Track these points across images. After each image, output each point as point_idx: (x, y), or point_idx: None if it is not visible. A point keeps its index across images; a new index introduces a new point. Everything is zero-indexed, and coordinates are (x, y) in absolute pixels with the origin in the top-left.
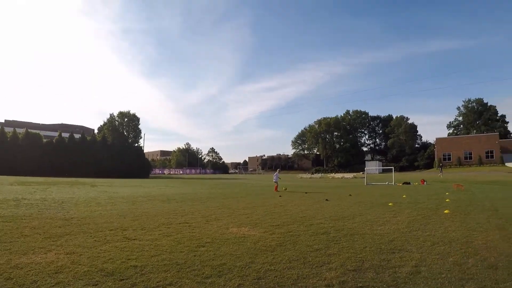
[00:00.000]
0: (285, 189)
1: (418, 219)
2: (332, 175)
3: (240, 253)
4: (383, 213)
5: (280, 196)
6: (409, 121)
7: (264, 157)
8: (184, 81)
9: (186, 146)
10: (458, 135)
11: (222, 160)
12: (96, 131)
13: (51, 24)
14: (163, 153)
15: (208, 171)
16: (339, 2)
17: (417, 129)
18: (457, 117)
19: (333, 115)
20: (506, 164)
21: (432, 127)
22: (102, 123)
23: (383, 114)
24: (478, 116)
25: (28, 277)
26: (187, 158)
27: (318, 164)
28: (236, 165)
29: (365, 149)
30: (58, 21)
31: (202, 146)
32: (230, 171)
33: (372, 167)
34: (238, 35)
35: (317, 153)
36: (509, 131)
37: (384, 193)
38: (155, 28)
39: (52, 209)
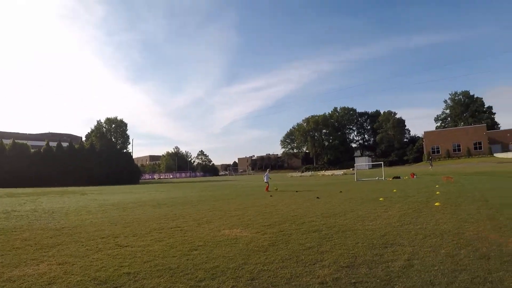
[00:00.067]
0: (276, 189)
1: (409, 212)
2: (322, 172)
3: (232, 255)
4: (374, 208)
5: (271, 196)
6: (397, 116)
7: (254, 158)
8: (171, 85)
9: (175, 150)
10: (446, 128)
11: (211, 163)
12: (84, 138)
13: (33, 32)
14: (152, 158)
15: (198, 174)
16: (323, 0)
17: (405, 123)
18: (444, 110)
19: (321, 113)
20: (495, 154)
21: (420, 121)
22: (89, 130)
23: (370, 110)
24: (465, 108)
25: None
26: (177, 162)
27: (308, 162)
28: (226, 167)
29: (354, 145)
30: (39, 28)
31: (191, 149)
32: (220, 173)
33: (362, 163)
34: (223, 36)
35: (307, 151)
36: (496, 122)
37: (374, 189)
38: (139, 32)
39: (43, 219)
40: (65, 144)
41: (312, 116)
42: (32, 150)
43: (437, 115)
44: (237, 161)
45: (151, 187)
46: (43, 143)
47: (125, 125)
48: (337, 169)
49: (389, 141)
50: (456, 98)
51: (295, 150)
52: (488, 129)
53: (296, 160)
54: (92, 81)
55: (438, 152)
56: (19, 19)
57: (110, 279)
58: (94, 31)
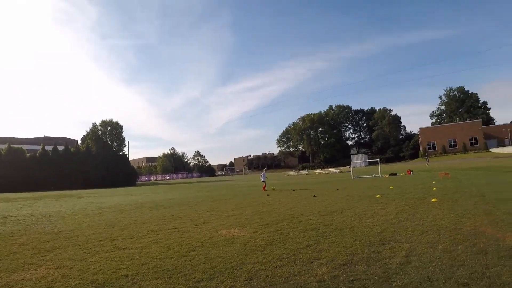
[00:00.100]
0: (273, 188)
1: (406, 209)
2: (319, 171)
3: (230, 255)
4: (371, 206)
5: (267, 195)
6: (392, 113)
7: (250, 157)
8: (165, 86)
9: (171, 151)
10: (441, 124)
11: (208, 163)
12: (79, 141)
13: (27, 35)
14: (149, 159)
15: (194, 174)
16: None
17: (401, 120)
18: (439, 106)
19: (317, 111)
20: (490, 149)
21: (416, 118)
22: (85, 133)
23: (366, 107)
24: (460, 104)
25: None
26: (173, 163)
27: (304, 161)
28: (222, 167)
29: (350, 143)
30: (33, 31)
31: (187, 150)
32: (216, 173)
33: (358, 160)
34: (217, 36)
35: (303, 150)
36: (492, 117)
37: (371, 186)
38: (133, 33)
39: (40, 224)
40: (60, 148)
41: (308, 114)
42: (28, 155)
43: (433, 111)
44: (233, 161)
45: (148, 189)
46: (39, 147)
47: (121, 127)
48: (333, 167)
49: (385, 138)
50: (451, 94)
51: (291, 149)
52: (483, 125)
53: (293, 159)
54: (87, 84)
55: (434, 148)
56: (13, 22)
57: (108, 282)
58: (88, 33)
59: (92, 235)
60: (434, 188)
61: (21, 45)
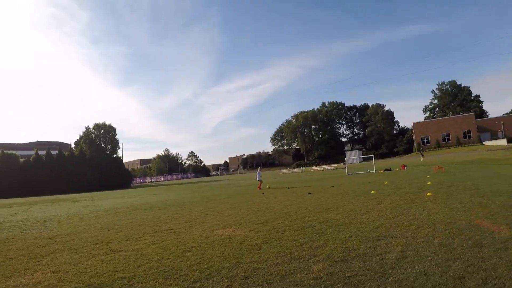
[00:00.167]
0: (269, 187)
1: (401, 204)
2: (313, 168)
3: (226, 254)
4: (367, 201)
5: (263, 193)
6: (385, 108)
7: (245, 156)
8: (158, 87)
9: (166, 152)
10: (434, 118)
11: (202, 163)
12: (73, 145)
13: (17, 41)
14: (143, 161)
15: (189, 175)
16: None
17: (394, 115)
18: (432, 101)
19: (310, 109)
20: (484, 142)
21: (409, 112)
22: (78, 137)
23: (359, 103)
24: (453, 98)
25: None
26: (167, 164)
27: (299, 159)
28: (217, 167)
29: (344, 139)
30: (24, 37)
31: (181, 150)
32: (211, 173)
33: (353, 156)
34: (208, 36)
35: (297, 147)
36: (485, 110)
37: (366, 182)
38: (124, 36)
39: (35, 229)
40: (54, 152)
41: (301, 112)
42: (21, 160)
43: (426, 106)
44: (228, 161)
45: (143, 191)
46: (32, 152)
47: (114, 130)
48: (328, 164)
49: (378, 134)
50: (444, 88)
51: (285, 147)
52: (476, 118)
53: (287, 156)
54: (79, 87)
55: (427, 142)
56: (2, 28)
57: (105, 285)
58: (78, 37)
59: (87, 238)
60: (428, 183)
61: (12, 51)
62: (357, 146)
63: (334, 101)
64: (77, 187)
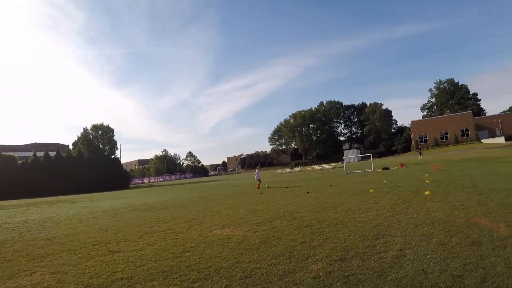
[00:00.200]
0: (267, 186)
1: (399, 203)
2: (312, 167)
3: (225, 254)
4: (365, 200)
5: (261, 193)
6: (383, 107)
7: (243, 156)
8: (156, 88)
9: (164, 153)
10: (432, 116)
11: (201, 163)
12: (71, 146)
13: (13, 42)
14: (141, 162)
15: (187, 175)
16: None
17: (392, 114)
18: (430, 99)
19: (308, 108)
20: (482, 140)
21: (407, 111)
22: (76, 138)
23: (356, 102)
24: (451, 96)
25: None
26: (166, 165)
27: (297, 158)
28: (215, 167)
29: (342, 138)
30: (20, 38)
31: (179, 151)
32: (210, 173)
33: (351, 155)
34: (206, 37)
35: (295, 147)
36: (482, 108)
37: (364, 180)
38: (121, 37)
39: (34, 230)
40: (52, 154)
41: (299, 111)
42: (20, 162)
43: (423, 104)
44: (226, 161)
45: (141, 191)
46: (30, 154)
47: (112, 130)
48: (326, 163)
49: (376, 133)
50: (441, 86)
51: (283, 147)
52: (474, 116)
53: (285, 156)
54: (77, 89)
55: (425, 140)
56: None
57: (104, 285)
58: (75, 38)
59: (86, 239)
60: (427, 181)
61: (9, 52)
62: (355, 145)
63: (332, 100)
64: (75, 188)
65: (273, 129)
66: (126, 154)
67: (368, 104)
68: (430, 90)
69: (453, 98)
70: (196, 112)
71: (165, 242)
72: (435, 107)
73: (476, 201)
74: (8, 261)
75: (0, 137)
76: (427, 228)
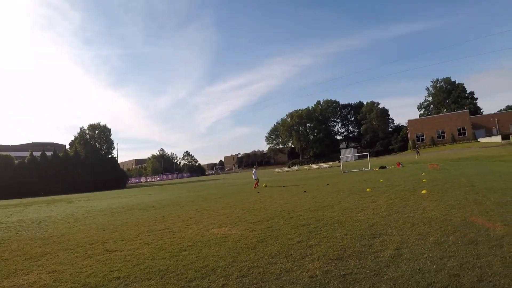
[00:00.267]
0: (265, 185)
1: (396, 202)
2: (309, 166)
3: (222, 253)
4: (362, 199)
5: (258, 192)
6: (380, 106)
7: (240, 155)
8: (153, 87)
9: (161, 152)
10: (429, 115)
11: (198, 163)
12: (67, 146)
13: (10, 42)
14: (138, 161)
15: (185, 174)
16: None
17: (389, 113)
18: (426, 98)
19: (304, 107)
20: (479, 139)
21: (403, 110)
22: (73, 138)
23: (353, 101)
24: (447, 95)
25: None
26: (163, 164)
27: (294, 157)
28: (212, 166)
29: (339, 137)
30: (16, 38)
31: (177, 150)
32: (207, 173)
33: (348, 154)
34: (202, 36)
35: (292, 146)
36: (479, 107)
37: (361, 179)
38: (117, 37)
39: (31, 229)
40: (49, 153)
41: (296, 110)
42: (16, 161)
43: (420, 103)
44: (223, 160)
45: (138, 191)
46: (27, 154)
47: (109, 130)
48: (323, 162)
49: (373, 132)
50: (438, 85)
51: (280, 146)
52: (471, 115)
53: (282, 155)
54: (74, 88)
55: (422, 139)
56: None
57: (101, 284)
58: (71, 39)
59: (83, 238)
60: (423, 180)
61: (5, 52)
62: (352, 144)
63: (329, 99)
64: (72, 188)
65: (270, 128)
66: (123, 154)
67: (365, 103)
68: (427, 89)
69: (450, 97)
70: (193, 112)
71: (162, 241)
72: (432, 106)
73: (473, 200)
74: (5, 260)
75: None
76: (424, 227)
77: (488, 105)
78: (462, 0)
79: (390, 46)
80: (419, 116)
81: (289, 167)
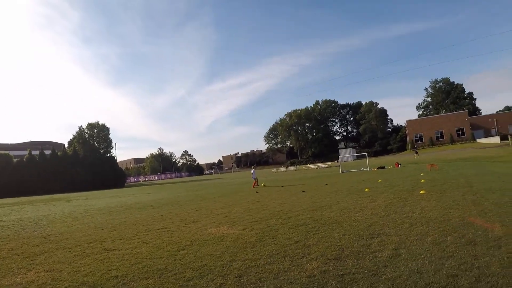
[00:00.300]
0: (264, 185)
1: (394, 202)
2: (307, 166)
3: (220, 253)
4: (360, 199)
5: (257, 192)
6: (379, 106)
7: (238, 155)
8: (151, 86)
9: (159, 151)
10: (428, 115)
11: (196, 162)
12: (66, 145)
13: (9, 39)
14: (137, 160)
15: (183, 174)
16: None
17: (388, 113)
18: (425, 98)
19: (303, 107)
20: (477, 140)
21: (402, 110)
22: (71, 137)
23: (352, 101)
24: (446, 96)
25: None
26: (161, 163)
27: (293, 157)
28: (211, 166)
29: (337, 137)
30: (15, 37)
31: (175, 149)
32: (205, 172)
33: (346, 154)
34: (201, 35)
35: (291, 146)
36: (478, 107)
37: (359, 180)
38: (116, 35)
39: (29, 228)
40: (47, 152)
41: (295, 110)
42: (15, 160)
43: (419, 103)
44: (221, 159)
45: (137, 190)
46: (25, 152)
47: (107, 129)
48: (322, 162)
49: (372, 132)
50: (437, 85)
51: (279, 145)
52: (469, 115)
53: (281, 155)
54: (72, 87)
55: (421, 140)
56: None
57: (99, 283)
58: (71, 37)
59: (81, 237)
60: (422, 180)
61: (4, 50)
62: (351, 144)
63: (328, 99)
64: (70, 187)
65: (268, 128)
66: (122, 153)
67: (363, 103)
68: (426, 89)
69: (449, 97)
70: (192, 111)
71: (160, 241)
72: (430, 106)
73: (471, 201)
74: (3, 259)
75: None
76: (422, 227)
77: (487, 105)
78: (462, 0)
79: (389, 46)
80: (418, 117)
81: (287, 167)
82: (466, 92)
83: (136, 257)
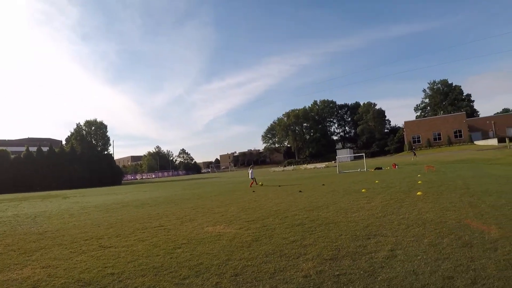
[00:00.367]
0: (261, 184)
1: (391, 203)
2: (305, 166)
3: (216, 252)
4: (357, 200)
5: (253, 191)
6: (377, 107)
7: (236, 154)
8: (150, 84)
9: (157, 150)
10: (425, 117)
11: (194, 160)
12: (64, 142)
13: (7, 37)
14: (134, 158)
15: (180, 172)
16: None
17: (385, 114)
18: (423, 100)
19: (301, 107)
20: (475, 142)
21: (400, 111)
22: (69, 134)
23: (350, 101)
24: (444, 97)
25: None
26: (158, 161)
27: (290, 157)
28: (208, 164)
29: (335, 138)
30: (13, 33)
31: (173, 148)
32: (202, 171)
33: (344, 155)
34: (201, 34)
35: (288, 145)
36: (476, 109)
37: (356, 180)
38: (115, 33)
39: (25, 224)
40: (45, 149)
41: (293, 110)
42: (12, 156)
43: (417, 105)
44: (219, 158)
45: (134, 188)
46: (23, 149)
47: (105, 127)
48: (319, 162)
49: (370, 132)
50: (435, 87)
51: (276, 145)
52: (467, 117)
53: (278, 154)
54: (70, 84)
55: (419, 141)
56: None
57: (94, 280)
58: (69, 34)
59: (77, 234)
60: (419, 182)
61: (1, 47)
62: (348, 145)
63: (326, 99)
64: (67, 184)
65: (266, 127)
66: (119, 150)
67: (361, 104)
68: (424, 90)
69: (447, 99)
70: (190, 109)
71: (157, 239)
72: (428, 107)
73: (468, 203)
74: None
75: None
76: (419, 229)
77: (485, 107)
78: (461, 2)
79: (388, 47)
80: (416, 118)
81: (284, 166)
82: (464, 94)
83: (132, 254)
